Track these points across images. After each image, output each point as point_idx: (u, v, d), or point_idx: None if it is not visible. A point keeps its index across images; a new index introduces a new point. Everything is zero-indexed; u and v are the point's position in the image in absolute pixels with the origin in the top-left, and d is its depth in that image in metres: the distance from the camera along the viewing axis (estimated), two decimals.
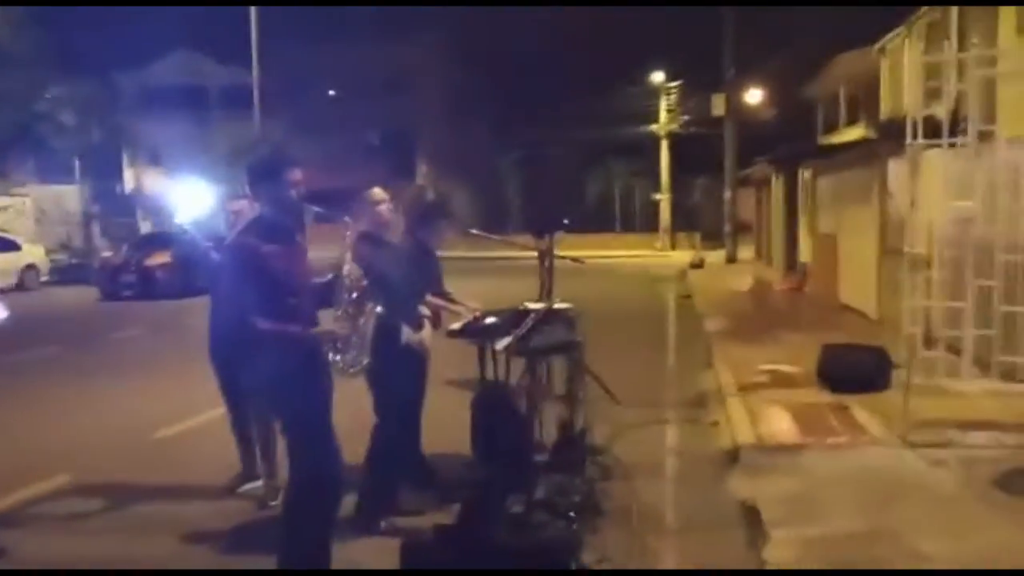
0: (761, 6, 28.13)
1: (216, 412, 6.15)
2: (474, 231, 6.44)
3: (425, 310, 4.96)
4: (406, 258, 5.41)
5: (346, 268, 3.93)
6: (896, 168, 9.84)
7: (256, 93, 26.06)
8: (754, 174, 25.34)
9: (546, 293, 7.49)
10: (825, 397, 7.25)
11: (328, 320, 3.90)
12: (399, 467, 4.95)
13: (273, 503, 5.27)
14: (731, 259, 27.05)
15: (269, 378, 3.79)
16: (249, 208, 5.58)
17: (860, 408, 6.74)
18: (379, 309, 4.02)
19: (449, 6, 40.76)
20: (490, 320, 5.14)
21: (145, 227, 35.02)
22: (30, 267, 22.49)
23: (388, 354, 4.67)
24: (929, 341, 6.47)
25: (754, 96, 30.67)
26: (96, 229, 34.40)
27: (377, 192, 4.91)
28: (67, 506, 5.39)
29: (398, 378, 4.75)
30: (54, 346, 11.87)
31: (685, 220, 37.13)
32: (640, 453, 6.21)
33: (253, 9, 25.22)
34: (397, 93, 40.18)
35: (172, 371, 9.23)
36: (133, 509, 5.33)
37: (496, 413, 5.39)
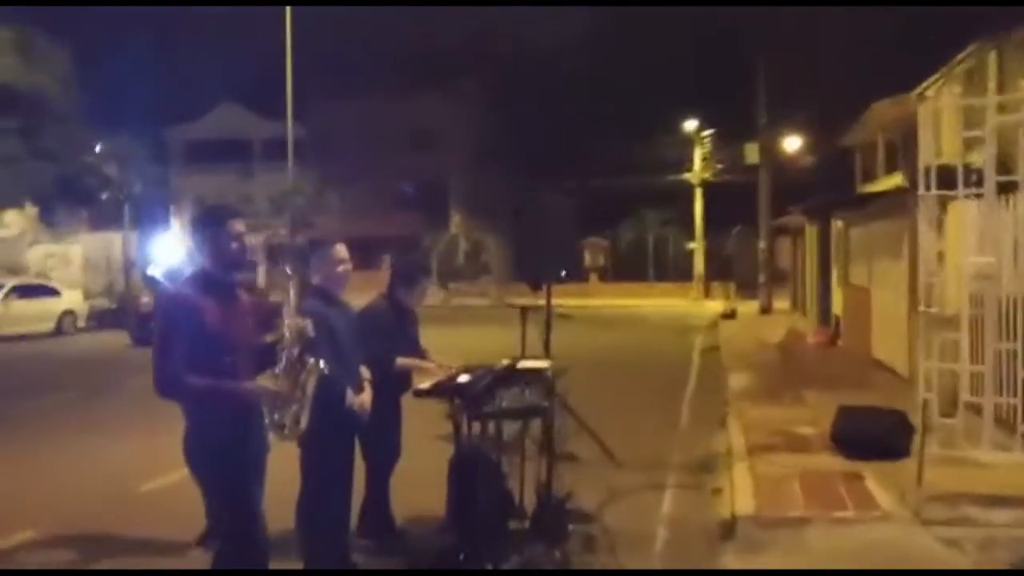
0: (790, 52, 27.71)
1: None
2: (451, 285, 6.12)
3: (366, 373, 4.67)
4: (378, 320, 5.19)
5: (288, 320, 3.67)
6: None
7: (290, 145, 26.47)
8: (790, 223, 24.84)
9: (543, 346, 7.21)
10: (838, 464, 6.77)
11: (266, 377, 3.64)
12: (333, 528, 4.61)
13: None
14: (765, 309, 26.43)
15: (196, 437, 3.55)
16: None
17: (874, 477, 6.25)
18: (322, 365, 3.73)
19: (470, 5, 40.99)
20: (462, 378, 4.83)
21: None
22: (68, 313, 22.88)
23: (327, 415, 4.41)
24: (955, 405, 6.00)
25: (792, 144, 30.20)
26: (138, 276, 35.10)
27: (340, 249, 4.67)
28: (31, 558, 5.27)
29: (333, 441, 4.47)
30: (72, 392, 12.00)
31: (719, 269, 36.54)
32: (631, 522, 5.81)
33: (288, 64, 25.62)
34: (430, 142, 40.49)
35: (178, 421, 9.00)
36: (96, 562, 5.20)
37: (470, 475, 5.05)
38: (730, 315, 24.68)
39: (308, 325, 3.71)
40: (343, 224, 39.84)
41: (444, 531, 5.19)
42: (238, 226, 3.64)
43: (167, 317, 3.51)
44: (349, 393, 4.46)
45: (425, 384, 4.97)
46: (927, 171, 6.03)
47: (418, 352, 5.43)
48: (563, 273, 7.32)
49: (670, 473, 7.18)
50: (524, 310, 6.01)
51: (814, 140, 29.76)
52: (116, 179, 31.65)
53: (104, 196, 31.80)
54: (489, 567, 4.67)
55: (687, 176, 37.03)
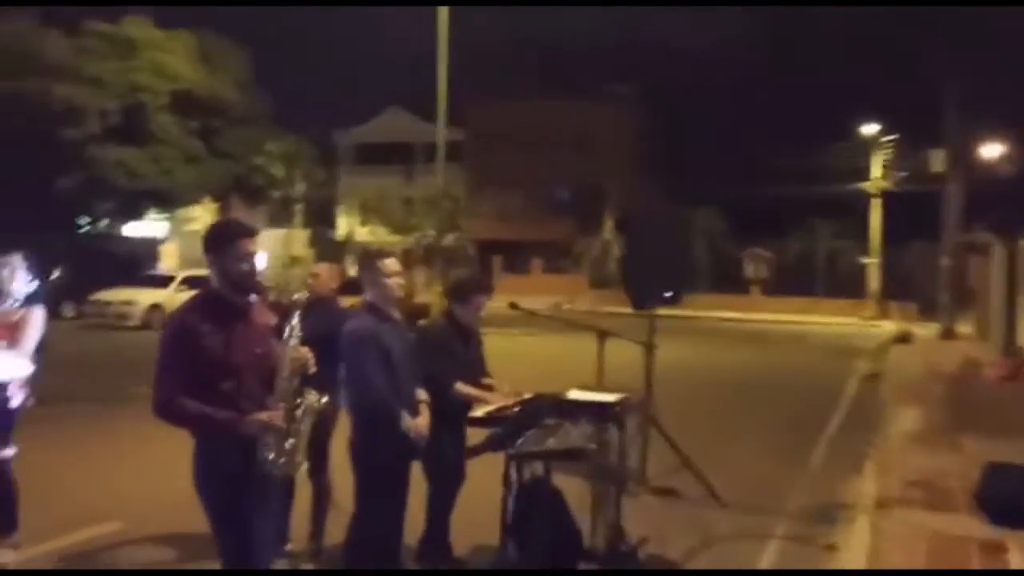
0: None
1: None
2: (522, 306, 5.69)
3: (423, 395, 4.32)
4: (435, 338, 4.87)
5: (289, 351, 3.38)
6: None
7: (440, 148, 26.85)
8: (979, 239, 22.61)
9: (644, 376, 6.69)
10: (979, 529, 5.82)
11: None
12: (383, 557, 4.30)
13: (306, 566, 5.13)
14: (947, 334, 24.21)
15: (200, 459, 3.34)
16: (328, 273, 5.31)
17: (1020, 551, 5.30)
18: (323, 400, 3.43)
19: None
20: (515, 410, 4.42)
21: (353, 272, 37.17)
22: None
23: (379, 439, 4.14)
24: None
25: (991, 151, 27.30)
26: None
27: (391, 263, 4.33)
28: (113, 549, 5.36)
29: (385, 466, 4.17)
30: None
31: (898, 288, 34.01)
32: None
33: (441, 68, 26.01)
34: (587, 147, 40.15)
35: None
36: (172, 556, 5.25)
37: (532, 509, 4.63)
38: (904, 339, 22.80)
39: (310, 359, 3.41)
40: (495, 228, 40.27)
41: (504, 564, 4.80)
42: (249, 246, 3.38)
43: (168, 338, 3.32)
44: (404, 416, 4.15)
45: (479, 412, 4.60)
46: None
47: (481, 375, 5.06)
48: (668, 294, 6.75)
49: (781, 520, 6.42)
50: (603, 334, 5.47)
51: (1013, 149, 27.01)
52: (282, 179, 33.34)
53: (276, 195, 33.53)
54: None
55: (864, 185, 34.71)
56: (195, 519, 3.46)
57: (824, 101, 37.69)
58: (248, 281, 3.40)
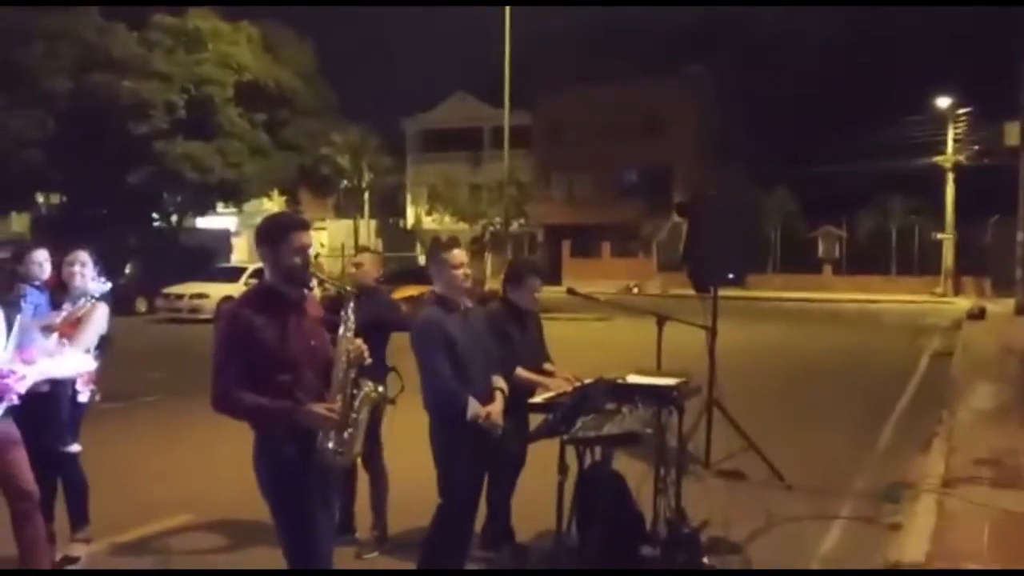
0: None
1: None
2: (580, 291, 5.74)
3: (500, 382, 4.39)
4: (491, 323, 4.94)
5: (345, 342, 3.41)
6: None
7: (507, 133, 26.79)
8: None
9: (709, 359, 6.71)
10: None
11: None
12: (454, 542, 4.41)
13: (369, 555, 5.15)
14: (1021, 310, 23.52)
15: (260, 451, 3.40)
16: (370, 263, 5.42)
17: None
18: (380, 389, 3.52)
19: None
20: (574, 395, 4.49)
21: (423, 261, 37.46)
22: None
23: (450, 429, 4.22)
24: None
25: None
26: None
27: (458, 254, 4.35)
28: (182, 541, 5.44)
29: (458, 454, 4.23)
30: None
31: (973, 264, 33.01)
32: (781, 556, 5.19)
33: (507, 52, 25.93)
34: (656, 129, 39.72)
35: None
36: (238, 550, 5.29)
37: (594, 494, 4.70)
38: (978, 315, 22.21)
39: (366, 350, 3.46)
40: (564, 212, 40.19)
41: (566, 550, 4.89)
42: (303, 239, 3.40)
43: (222, 332, 3.37)
44: (473, 404, 4.18)
45: (538, 397, 4.68)
46: None
47: (542, 360, 5.14)
48: (731, 276, 6.75)
49: (846, 501, 6.37)
50: (661, 319, 5.50)
51: None
52: (349, 169, 33.49)
53: (343, 185, 33.81)
54: None
55: (938, 159, 33.75)
56: (263, 510, 3.50)
57: (898, 74, 36.64)
58: (302, 274, 3.41)
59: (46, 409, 4.65)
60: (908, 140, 32.90)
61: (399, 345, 4.70)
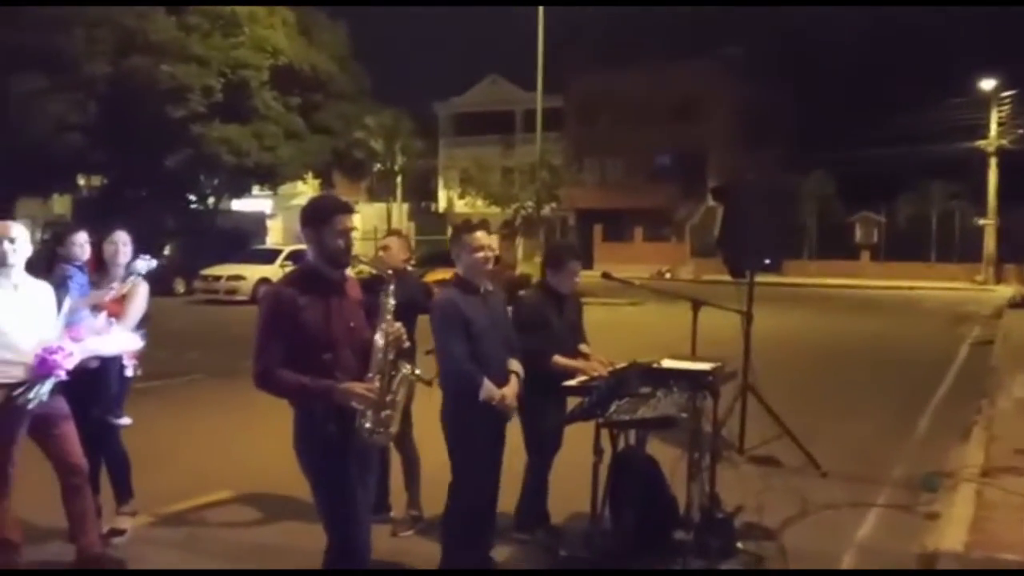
0: None
1: None
2: (616, 276, 5.73)
3: (516, 365, 4.41)
4: (530, 310, 4.96)
5: (385, 325, 3.48)
6: None
7: (539, 117, 26.70)
8: None
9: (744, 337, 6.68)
10: None
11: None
12: (472, 523, 4.44)
13: (405, 533, 5.21)
14: None
15: (300, 429, 3.49)
16: (398, 246, 5.46)
17: None
18: (416, 372, 3.57)
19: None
20: (609, 379, 4.49)
21: None
22: None
23: (462, 410, 4.25)
24: None
25: None
26: None
27: (480, 236, 4.37)
28: (218, 516, 5.57)
29: (471, 435, 4.26)
30: None
31: (1015, 250, 32.37)
32: (816, 543, 5.17)
33: (540, 34, 25.79)
34: (691, 112, 39.34)
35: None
36: (274, 523, 5.40)
37: (628, 478, 4.71)
38: (1020, 303, 21.82)
39: (404, 333, 3.52)
40: (596, 196, 40.02)
41: (600, 533, 4.90)
42: (347, 222, 3.47)
43: (265, 311, 3.44)
44: (488, 386, 4.19)
45: (574, 381, 4.69)
46: None
47: (579, 343, 5.14)
48: (767, 261, 6.71)
49: (883, 489, 6.31)
50: (697, 303, 5.48)
51: None
52: (382, 152, 33.60)
53: (376, 168, 33.93)
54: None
55: (980, 143, 33.12)
56: (302, 486, 3.58)
57: (940, 56, 35.92)
58: (344, 257, 3.48)
59: (97, 383, 4.79)
60: (949, 123, 32.27)
61: (425, 328, 4.74)
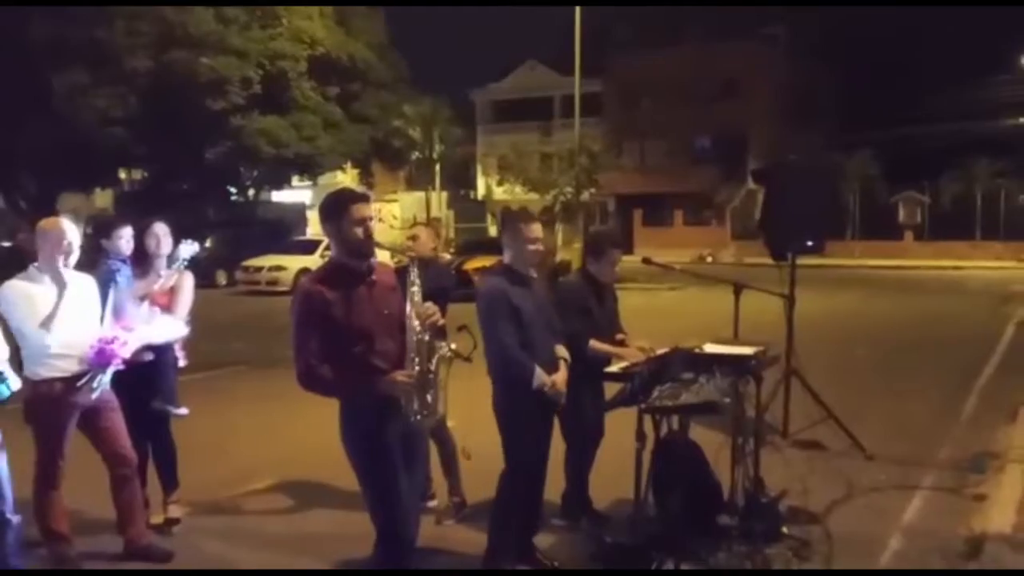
0: None
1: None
2: (656, 260, 5.72)
3: (563, 351, 4.43)
4: (571, 296, 4.97)
5: (416, 307, 3.50)
6: None
7: (577, 102, 26.51)
8: None
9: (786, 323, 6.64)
10: None
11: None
12: (518, 510, 4.47)
13: (448, 522, 5.24)
14: None
15: (346, 422, 3.54)
16: (426, 235, 5.51)
17: None
18: (452, 347, 3.58)
19: None
20: (652, 365, 4.50)
21: (495, 232, 37.52)
22: None
23: (515, 398, 4.28)
24: None
25: None
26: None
27: (534, 228, 4.38)
28: (254, 504, 5.65)
29: (524, 423, 4.29)
30: None
31: None
32: (862, 526, 5.16)
33: (577, 23, 25.59)
34: (732, 94, 38.86)
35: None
36: (308, 512, 5.48)
37: (672, 464, 4.73)
38: None
39: (437, 312, 3.55)
40: (636, 181, 39.76)
41: (645, 519, 4.92)
42: (363, 211, 3.49)
43: (297, 309, 3.47)
44: (540, 374, 4.23)
45: (615, 367, 4.71)
46: None
47: (616, 331, 5.15)
48: (809, 243, 6.66)
49: (929, 471, 6.26)
50: (738, 287, 5.46)
51: None
52: (420, 141, 33.59)
53: (414, 156, 33.96)
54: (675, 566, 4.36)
55: None
56: (348, 476, 3.63)
57: (984, 32, 35.07)
58: (366, 246, 3.50)
59: (155, 374, 4.89)
60: (994, 100, 31.59)
61: (456, 310, 4.77)
